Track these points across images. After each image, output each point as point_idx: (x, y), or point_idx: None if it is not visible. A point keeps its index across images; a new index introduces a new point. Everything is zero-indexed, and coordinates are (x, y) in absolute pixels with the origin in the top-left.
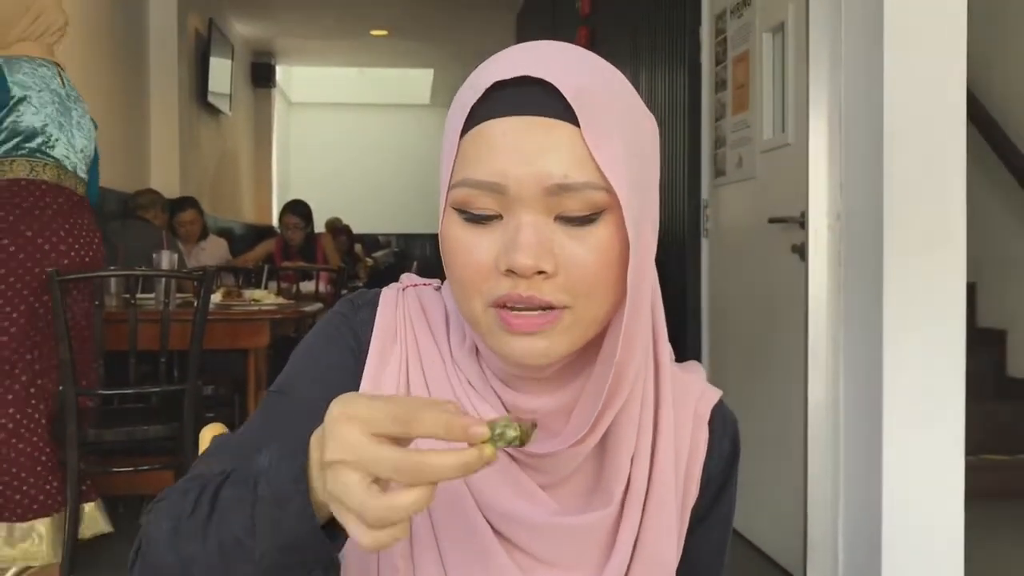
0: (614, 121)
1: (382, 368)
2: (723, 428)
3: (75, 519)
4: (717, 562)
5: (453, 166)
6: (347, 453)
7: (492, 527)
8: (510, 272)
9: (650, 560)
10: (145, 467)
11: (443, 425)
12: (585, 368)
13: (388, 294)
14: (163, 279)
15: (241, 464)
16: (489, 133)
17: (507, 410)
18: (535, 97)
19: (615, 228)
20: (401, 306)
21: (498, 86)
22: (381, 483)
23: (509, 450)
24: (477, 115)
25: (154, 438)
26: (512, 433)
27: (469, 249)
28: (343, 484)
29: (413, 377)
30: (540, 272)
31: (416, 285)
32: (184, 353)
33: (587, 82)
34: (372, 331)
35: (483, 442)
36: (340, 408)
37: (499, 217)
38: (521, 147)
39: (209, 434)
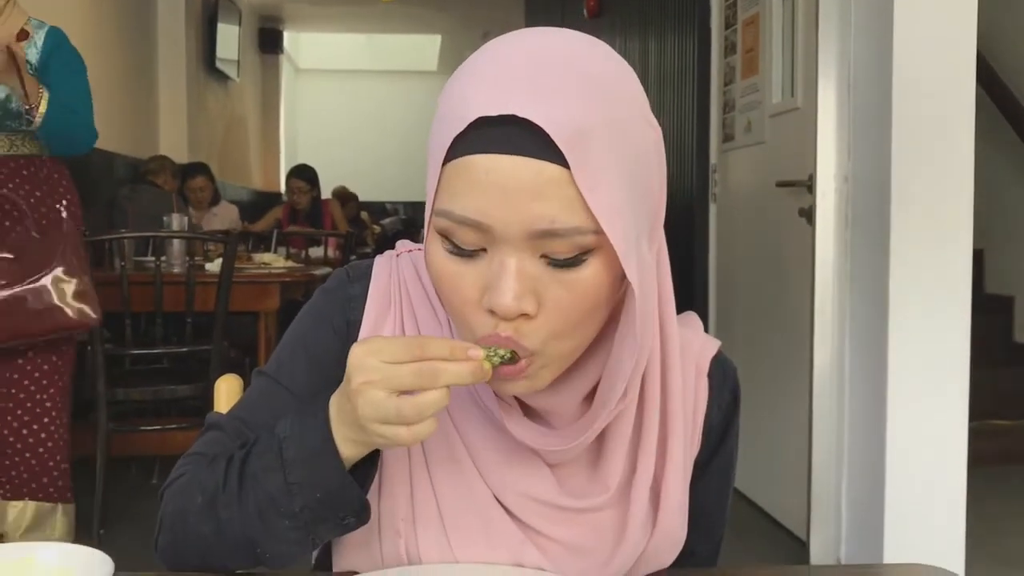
0: (613, 156)
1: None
2: (723, 380)
3: (104, 475)
4: (721, 509)
5: (436, 189)
6: (372, 375)
7: (495, 497)
8: (493, 311)
9: (662, 540)
10: (173, 426)
11: (448, 348)
12: (586, 368)
13: (381, 262)
14: (180, 242)
15: (254, 440)
16: (472, 168)
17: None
18: (523, 135)
19: (604, 266)
20: (395, 272)
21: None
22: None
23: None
24: (461, 144)
25: (181, 398)
26: (502, 351)
27: (454, 281)
28: (373, 402)
29: None
30: (523, 314)
31: (411, 251)
32: (197, 315)
33: (582, 116)
34: (365, 304)
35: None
36: (360, 348)
37: (483, 250)
38: (507, 187)
39: (224, 385)
